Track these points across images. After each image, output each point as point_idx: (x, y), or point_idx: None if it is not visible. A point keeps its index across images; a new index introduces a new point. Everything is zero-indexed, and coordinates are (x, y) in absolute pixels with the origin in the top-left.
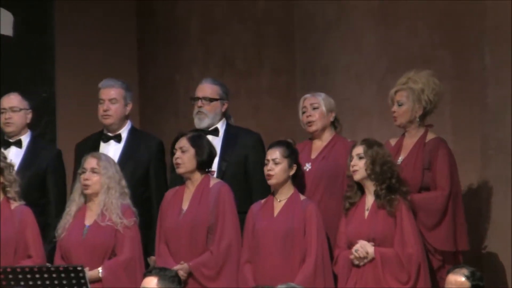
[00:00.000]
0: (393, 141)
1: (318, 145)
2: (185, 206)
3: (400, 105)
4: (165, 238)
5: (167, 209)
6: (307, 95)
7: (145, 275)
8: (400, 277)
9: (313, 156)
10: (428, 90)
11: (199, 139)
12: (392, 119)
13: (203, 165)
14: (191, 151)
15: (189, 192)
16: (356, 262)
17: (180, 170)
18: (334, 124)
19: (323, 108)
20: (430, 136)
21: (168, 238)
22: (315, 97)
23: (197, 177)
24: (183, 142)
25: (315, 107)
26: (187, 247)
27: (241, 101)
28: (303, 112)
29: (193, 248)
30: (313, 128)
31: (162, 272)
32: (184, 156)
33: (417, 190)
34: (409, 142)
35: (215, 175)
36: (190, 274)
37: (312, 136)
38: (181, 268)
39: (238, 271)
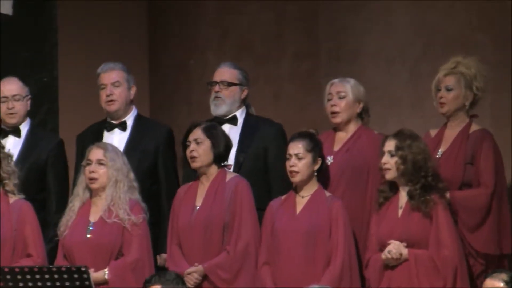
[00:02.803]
0: (433, 132)
1: (342, 136)
2: (198, 203)
3: (449, 90)
4: (177, 239)
5: (179, 207)
6: (335, 81)
7: (146, 286)
8: (435, 282)
9: (336, 148)
10: (479, 77)
11: (214, 129)
12: (438, 106)
13: (220, 158)
14: (207, 143)
15: (203, 187)
16: (389, 263)
17: (195, 164)
18: (362, 115)
19: (350, 98)
20: (474, 127)
21: (180, 237)
22: (343, 84)
23: (213, 171)
24: (198, 133)
25: (342, 96)
26: (201, 247)
27: (260, 88)
28: (328, 100)
29: (208, 248)
30: (337, 119)
31: (163, 278)
32: (200, 149)
33: (458, 186)
34: (451, 133)
35: (231, 168)
36: (205, 277)
37: (336, 127)
38: (195, 271)
39: (256, 273)
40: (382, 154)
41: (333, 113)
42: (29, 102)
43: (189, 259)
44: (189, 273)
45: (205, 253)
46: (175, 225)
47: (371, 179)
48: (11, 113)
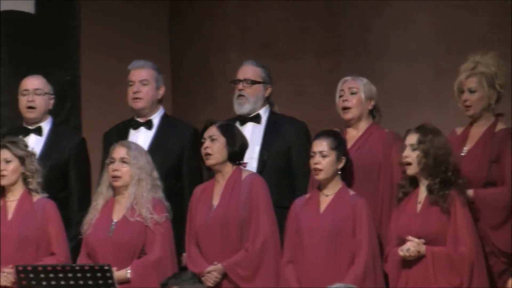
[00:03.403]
0: (459, 130)
1: (353, 135)
2: (215, 202)
3: (472, 92)
4: (195, 238)
5: (196, 207)
6: (347, 78)
7: None
8: (452, 279)
9: (347, 147)
10: (500, 73)
11: (230, 128)
12: (463, 108)
13: (235, 157)
14: (222, 140)
15: (219, 186)
16: (406, 258)
17: (210, 162)
18: (373, 113)
19: (362, 95)
20: (500, 126)
21: (198, 237)
22: (355, 81)
23: (228, 169)
24: (213, 131)
25: (353, 92)
26: (219, 245)
27: (282, 86)
28: (340, 96)
29: (226, 247)
30: (349, 115)
31: (179, 279)
32: (214, 146)
33: (482, 184)
34: (477, 131)
35: (254, 165)
36: (224, 275)
37: (347, 124)
38: (214, 269)
39: (280, 271)
40: (403, 148)
41: (344, 108)
42: (52, 101)
43: (207, 258)
44: (209, 272)
45: (223, 252)
46: (192, 225)
47: (382, 177)
48: (30, 107)
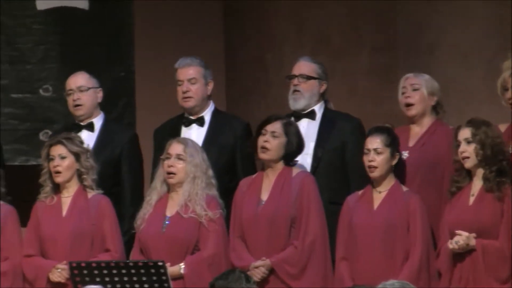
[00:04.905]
0: (502, 127)
1: (417, 131)
2: (264, 197)
3: None
4: (240, 231)
5: (242, 200)
6: (409, 75)
7: None
8: (500, 274)
9: (411, 143)
10: None
11: (293, 128)
12: (508, 105)
13: (290, 157)
14: (283, 139)
15: (268, 181)
16: (455, 251)
17: (265, 156)
18: (436, 109)
19: (424, 91)
20: None
21: (244, 230)
22: (417, 77)
23: (279, 166)
24: (277, 127)
25: (416, 88)
26: (266, 240)
27: (337, 82)
28: (403, 93)
29: (273, 242)
30: (412, 111)
31: (226, 280)
32: (274, 142)
33: None
34: None
35: (308, 161)
36: (271, 271)
37: (411, 121)
38: (262, 265)
39: (327, 271)
40: (457, 144)
41: (407, 105)
42: (99, 94)
43: (253, 252)
44: (256, 267)
45: (270, 247)
46: (237, 217)
47: (447, 174)
48: (77, 105)
